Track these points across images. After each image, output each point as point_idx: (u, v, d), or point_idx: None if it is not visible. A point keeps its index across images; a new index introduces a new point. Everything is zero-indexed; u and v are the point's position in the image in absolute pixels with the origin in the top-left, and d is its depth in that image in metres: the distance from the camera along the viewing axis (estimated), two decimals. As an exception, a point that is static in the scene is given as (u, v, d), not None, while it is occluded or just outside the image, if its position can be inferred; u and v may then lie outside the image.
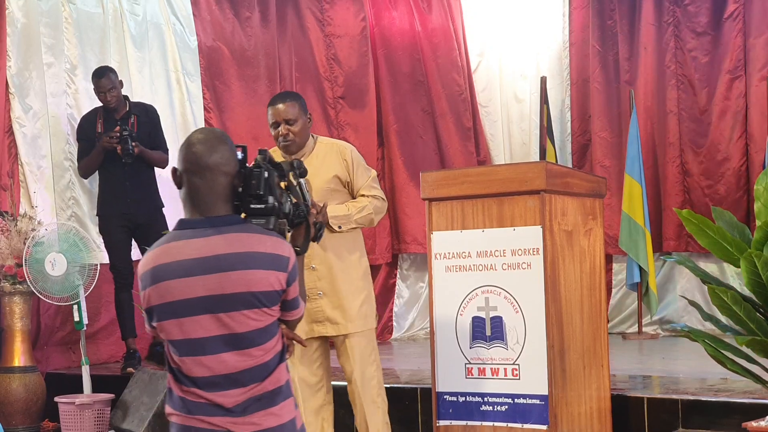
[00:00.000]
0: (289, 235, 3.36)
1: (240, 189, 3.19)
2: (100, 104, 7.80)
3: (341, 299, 5.34)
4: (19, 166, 7.98)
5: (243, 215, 3.19)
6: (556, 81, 11.00)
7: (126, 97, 7.88)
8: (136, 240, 7.72)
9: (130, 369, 7.28)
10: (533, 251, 5.11)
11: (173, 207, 7.96)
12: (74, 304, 7.05)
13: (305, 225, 3.39)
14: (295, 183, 3.39)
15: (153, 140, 7.87)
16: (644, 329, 9.84)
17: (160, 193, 7.98)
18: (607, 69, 10.68)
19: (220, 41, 9.46)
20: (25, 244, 7.09)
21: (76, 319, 7.05)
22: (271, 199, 3.19)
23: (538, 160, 10.61)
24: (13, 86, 8.00)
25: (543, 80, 10.38)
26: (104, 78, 7.68)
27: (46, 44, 8.20)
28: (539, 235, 5.08)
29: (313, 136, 5.46)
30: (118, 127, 7.56)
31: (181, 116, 9.15)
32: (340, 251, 5.34)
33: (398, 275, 10.69)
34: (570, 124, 10.97)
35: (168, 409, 3.15)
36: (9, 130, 8.00)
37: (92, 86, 7.81)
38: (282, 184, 3.31)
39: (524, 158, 11.13)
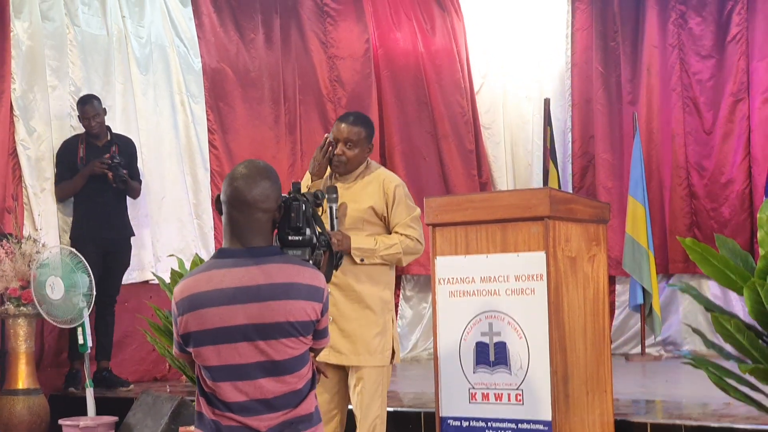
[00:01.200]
0: None
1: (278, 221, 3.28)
2: (82, 131, 8.03)
3: (351, 329, 5.20)
4: (23, 189, 8.00)
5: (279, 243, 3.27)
6: (558, 102, 11.05)
7: (108, 128, 8.09)
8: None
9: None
10: (537, 277, 5.12)
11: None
12: (78, 326, 7.04)
13: (329, 253, 3.44)
14: (321, 210, 3.45)
15: (130, 170, 8.07)
16: (647, 350, 9.85)
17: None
18: (610, 90, 10.73)
19: (224, 63, 9.50)
20: (29, 266, 7.11)
21: (80, 341, 7.06)
22: (308, 231, 3.26)
23: (541, 181, 10.67)
24: (17, 108, 8.02)
25: (546, 102, 10.43)
26: (88, 105, 7.92)
27: (50, 66, 8.23)
28: (543, 261, 5.10)
29: (370, 163, 5.37)
30: (109, 155, 7.83)
31: (185, 138, 9.18)
32: (361, 281, 5.18)
33: (401, 296, 10.71)
34: (572, 145, 11.00)
35: None
36: (13, 152, 8.02)
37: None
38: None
39: (527, 180, 11.17)
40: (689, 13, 10.30)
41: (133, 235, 8.25)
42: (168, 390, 8.10)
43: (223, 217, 3.25)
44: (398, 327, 10.50)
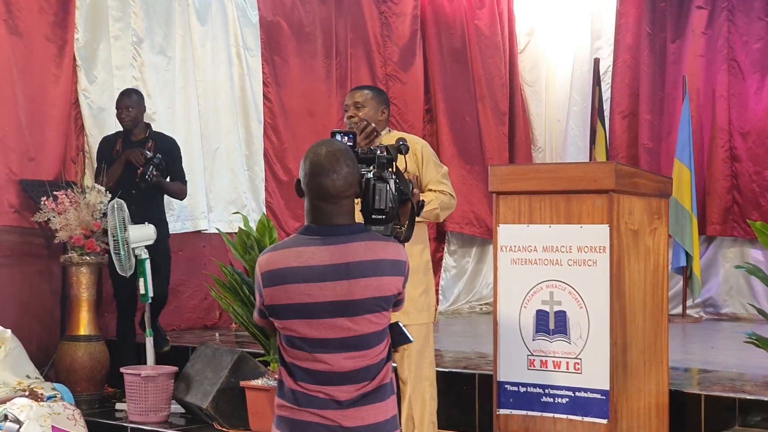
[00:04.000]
0: None
1: (360, 198, 3.35)
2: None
3: None
4: (85, 138, 8.14)
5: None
6: (604, 62, 11.06)
7: (148, 125, 7.76)
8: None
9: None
10: (600, 249, 5.20)
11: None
12: (140, 277, 7.17)
13: (410, 205, 3.47)
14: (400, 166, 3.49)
15: (171, 171, 7.71)
16: (688, 312, 9.96)
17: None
18: (656, 51, 10.74)
19: (279, 16, 9.58)
20: (93, 216, 7.25)
21: (142, 291, 7.18)
22: (391, 210, 3.33)
23: (579, 140, 10.78)
24: (80, 58, 8.14)
25: (596, 62, 10.47)
26: (125, 96, 7.58)
27: (113, 17, 8.34)
28: (606, 233, 5.17)
29: (389, 130, 5.57)
30: (149, 149, 7.49)
31: (240, 90, 9.30)
32: None
33: (445, 249, 10.85)
34: (615, 104, 11.01)
35: (278, 401, 3.32)
36: (75, 102, 8.16)
37: (158, 63, 7.97)
38: (390, 169, 3.42)
39: (569, 140, 11.25)
40: (740, -25, 10.29)
41: (168, 236, 7.79)
42: (218, 338, 8.29)
43: (305, 203, 3.32)
44: (441, 280, 10.68)
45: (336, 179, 3.25)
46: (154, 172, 7.43)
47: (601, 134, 10.23)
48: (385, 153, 3.41)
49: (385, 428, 3.27)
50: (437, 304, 5.63)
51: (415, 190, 3.48)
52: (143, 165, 7.42)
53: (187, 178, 7.90)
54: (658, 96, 10.67)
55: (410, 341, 3.41)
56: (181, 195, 7.85)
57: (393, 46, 10.47)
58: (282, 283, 3.23)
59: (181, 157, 7.82)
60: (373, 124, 5.31)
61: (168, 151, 7.67)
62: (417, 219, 5.20)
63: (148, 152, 7.45)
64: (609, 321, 5.15)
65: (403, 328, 3.38)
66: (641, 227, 5.39)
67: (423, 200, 3.63)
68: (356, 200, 3.36)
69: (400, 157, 3.60)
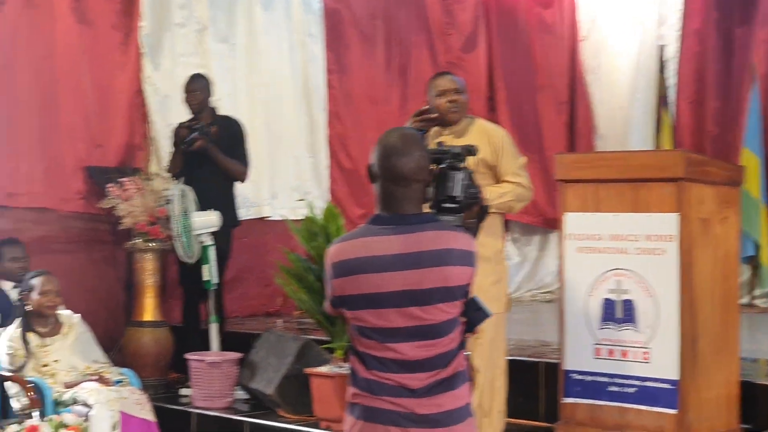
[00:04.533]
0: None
1: (432, 187, 3.34)
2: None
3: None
4: (150, 125, 8.20)
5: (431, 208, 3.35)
6: (670, 49, 10.95)
7: (214, 109, 7.73)
8: None
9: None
10: (668, 238, 5.14)
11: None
12: (204, 263, 7.21)
13: (477, 209, 3.48)
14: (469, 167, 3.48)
15: (233, 152, 7.61)
16: (756, 302, 9.84)
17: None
18: (724, 37, 10.58)
19: (342, 3, 9.59)
20: (158, 202, 7.30)
21: (206, 278, 7.22)
22: (463, 199, 3.31)
23: (641, 128, 10.68)
24: (145, 46, 8.19)
25: (660, 48, 10.35)
26: (193, 80, 7.57)
27: (177, 5, 8.41)
28: (675, 222, 5.12)
29: (470, 117, 5.58)
30: (196, 125, 7.45)
31: (303, 78, 9.31)
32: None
33: (508, 238, 10.80)
34: (681, 91, 10.88)
35: (351, 389, 3.32)
36: (140, 90, 8.21)
37: (221, 50, 7.99)
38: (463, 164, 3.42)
39: (632, 128, 11.15)
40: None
41: (237, 224, 7.73)
42: (281, 325, 8.31)
43: (376, 187, 3.32)
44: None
45: (408, 161, 3.25)
46: (197, 136, 7.34)
47: (666, 121, 10.12)
48: (458, 151, 3.42)
49: (458, 415, 3.26)
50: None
51: (482, 195, 3.47)
52: (190, 131, 7.37)
53: (250, 165, 7.87)
54: (725, 83, 10.52)
55: (489, 316, 3.40)
56: (237, 174, 7.64)
57: (455, 33, 10.44)
58: (352, 274, 3.24)
59: (243, 139, 7.71)
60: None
61: (231, 131, 7.63)
62: (491, 210, 5.27)
63: (200, 127, 7.40)
64: (678, 310, 5.10)
65: (481, 303, 3.36)
66: (711, 216, 5.32)
67: (488, 205, 3.63)
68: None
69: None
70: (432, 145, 5.19)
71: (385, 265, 3.21)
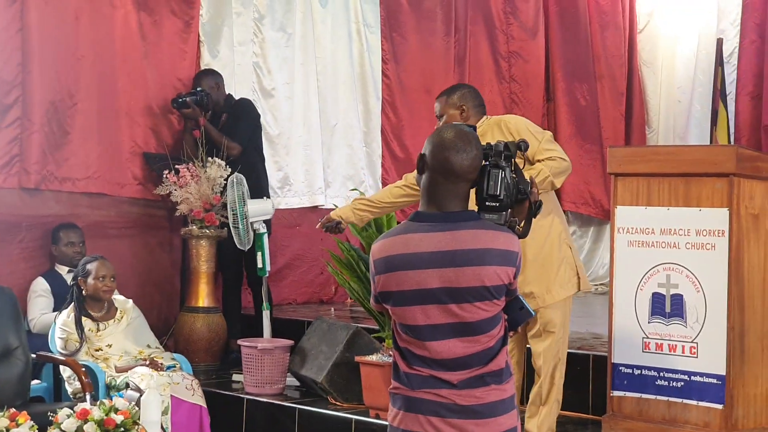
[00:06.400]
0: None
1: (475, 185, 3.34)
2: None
3: (535, 271, 5.37)
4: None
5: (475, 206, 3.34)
6: (730, 43, 10.86)
7: (229, 95, 7.98)
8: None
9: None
10: (718, 233, 5.14)
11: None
12: (258, 251, 7.27)
13: (528, 204, 3.43)
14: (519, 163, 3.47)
15: (232, 129, 7.80)
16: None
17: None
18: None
19: (399, -8, 9.61)
20: (213, 190, 7.38)
21: (260, 265, 7.28)
22: (505, 198, 3.33)
23: (698, 121, 10.61)
24: (203, 34, 8.27)
25: (719, 42, 10.28)
26: (200, 77, 7.96)
27: (236, -7, 8.47)
28: (726, 217, 5.11)
29: (486, 117, 5.56)
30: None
31: (359, 67, 9.35)
32: None
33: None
34: (741, 85, 10.80)
35: (393, 384, 3.37)
36: (199, 78, 8.28)
37: (278, 39, 8.04)
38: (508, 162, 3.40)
39: (692, 122, 11.08)
40: None
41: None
42: (333, 313, 8.37)
43: (423, 180, 3.33)
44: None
45: (464, 158, 3.28)
46: (187, 106, 7.61)
47: (723, 116, 10.05)
48: (502, 148, 3.39)
49: (501, 407, 3.28)
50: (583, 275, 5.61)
51: (533, 189, 3.42)
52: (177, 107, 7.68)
53: (304, 153, 7.98)
54: (786, 77, 10.45)
55: (532, 316, 3.39)
56: (227, 150, 7.64)
57: (516, 22, 10.44)
58: (393, 270, 3.27)
59: (245, 120, 7.89)
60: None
61: (237, 114, 7.86)
62: (540, 190, 5.22)
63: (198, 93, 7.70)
64: (726, 306, 5.09)
65: (524, 302, 3.35)
66: (762, 211, 5.30)
67: (541, 201, 3.54)
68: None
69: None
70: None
71: (423, 262, 3.23)
